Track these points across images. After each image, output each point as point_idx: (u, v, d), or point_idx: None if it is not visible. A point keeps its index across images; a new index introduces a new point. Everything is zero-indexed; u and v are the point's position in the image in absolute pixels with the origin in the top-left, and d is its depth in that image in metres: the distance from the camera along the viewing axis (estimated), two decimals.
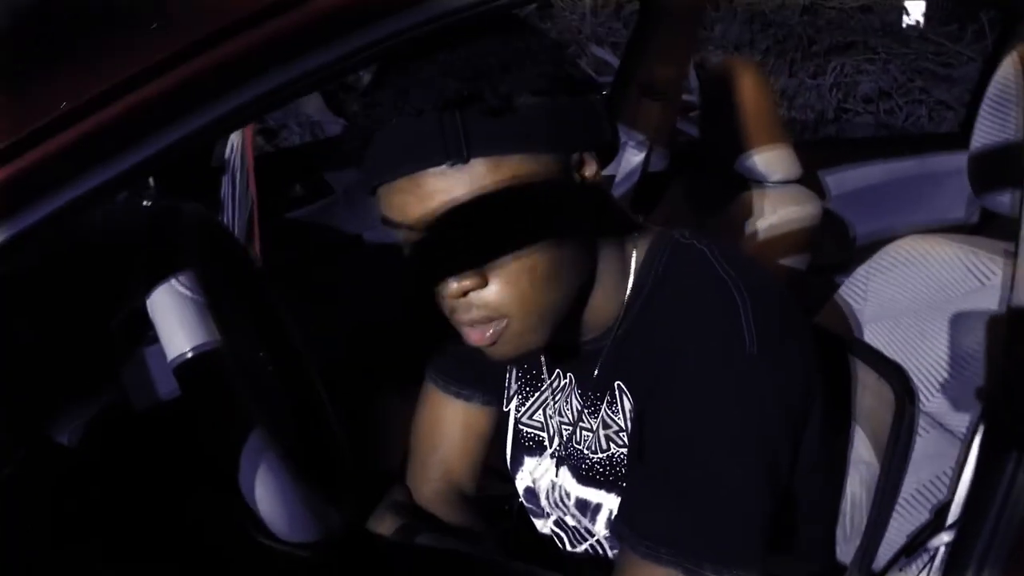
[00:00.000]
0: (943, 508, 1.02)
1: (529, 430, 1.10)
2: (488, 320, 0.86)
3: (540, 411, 1.08)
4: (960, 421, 1.08)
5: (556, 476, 1.06)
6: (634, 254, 0.96)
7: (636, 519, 0.88)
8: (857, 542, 1.07)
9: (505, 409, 1.13)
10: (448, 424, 1.16)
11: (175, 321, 0.86)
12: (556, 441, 1.06)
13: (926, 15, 6.04)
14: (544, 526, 1.13)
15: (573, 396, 1.03)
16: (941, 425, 1.11)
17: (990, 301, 1.10)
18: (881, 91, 5.65)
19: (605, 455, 0.99)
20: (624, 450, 0.97)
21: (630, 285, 0.95)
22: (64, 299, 0.96)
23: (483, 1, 0.76)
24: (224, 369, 0.87)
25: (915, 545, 0.97)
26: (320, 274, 2.26)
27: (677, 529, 0.84)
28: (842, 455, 1.13)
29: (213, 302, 0.89)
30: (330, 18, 0.72)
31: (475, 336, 0.87)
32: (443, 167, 0.79)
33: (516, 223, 0.82)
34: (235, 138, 1.32)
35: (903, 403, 1.09)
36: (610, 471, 0.99)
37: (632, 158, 2.21)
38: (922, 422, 1.13)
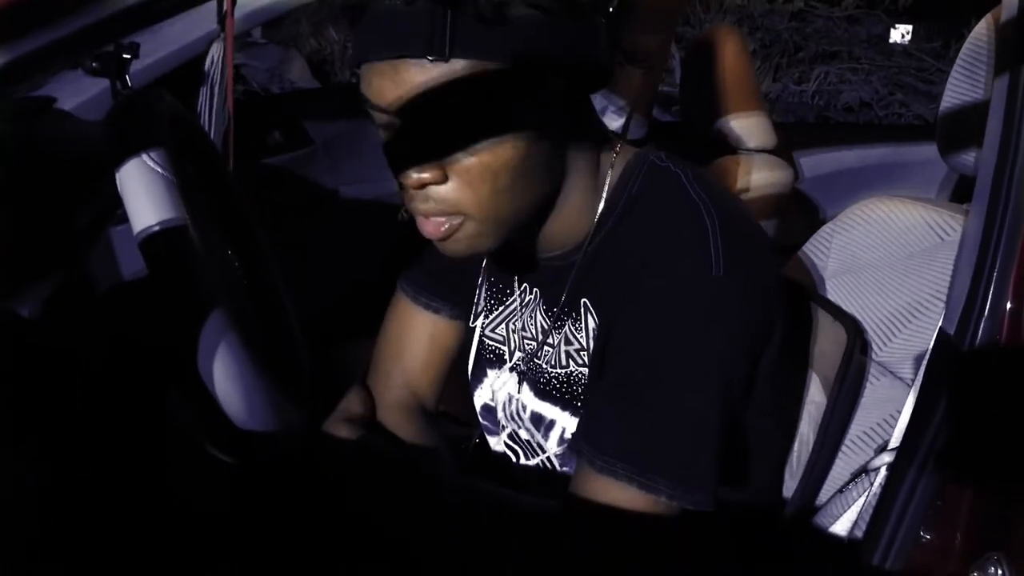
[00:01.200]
0: (884, 446, 1.05)
1: (491, 343, 1.11)
2: (443, 214, 0.86)
3: (503, 325, 1.09)
4: (910, 369, 1.10)
5: (515, 390, 1.07)
6: (609, 172, 0.96)
7: (594, 434, 0.88)
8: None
9: (472, 325, 1.14)
10: (415, 334, 1.17)
11: (144, 194, 0.86)
12: (517, 355, 1.07)
13: (912, 30, 6.11)
14: (498, 443, 1.15)
15: (539, 312, 1.03)
16: (892, 373, 1.13)
17: (949, 255, 1.12)
18: (862, 101, 5.72)
19: (564, 371, 1.00)
20: (583, 369, 0.98)
21: (602, 202, 0.96)
22: (36, 191, 0.96)
23: None
24: (190, 248, 0.87)
25: (857, 472, 0.99)
26: (292, 224, 2.26)
27: (634, 445, 0.85)
28: (797, 396, 1.15)
29: (183, 184, 0.90)
30: None
31: (429, 228, 0.88)
32: (423, 60, 0.80)
33: (484, 125, 0.83)
34: (215, 50, 1.32)
35: (852, 345, 1.12)
36: (567, 389, 1.01)
37: (611, 123, 2.23)
38: (874, 370, 1.15)
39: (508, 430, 1.11)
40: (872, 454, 1.08)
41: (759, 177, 1.86)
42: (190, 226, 0.87)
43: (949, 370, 0.85)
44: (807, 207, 2.24)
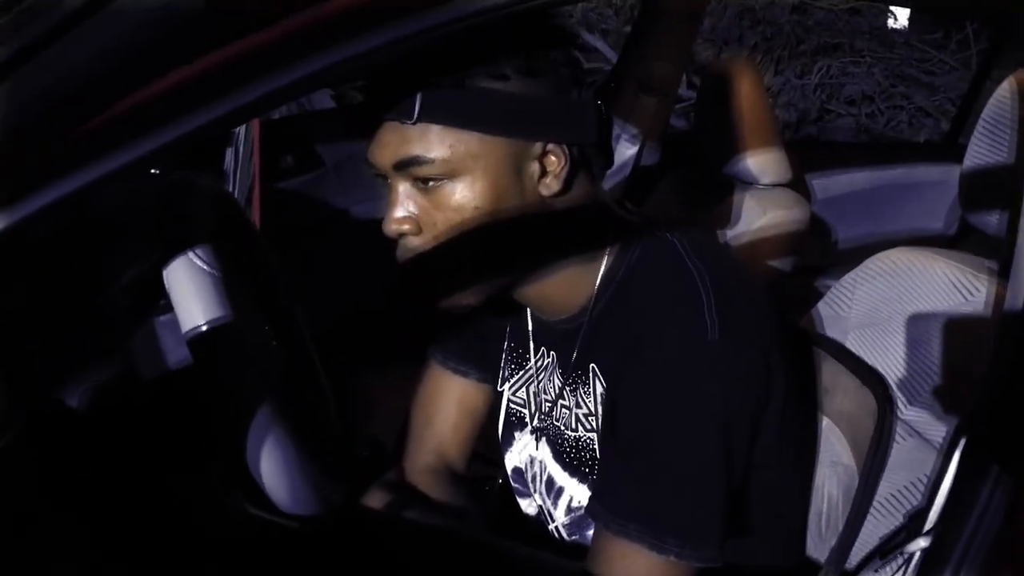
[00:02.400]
0: (917, 514, 1.06)
1: (514, 406, 1.14)
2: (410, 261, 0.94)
3: (524, 388, 1.12)
4: (937, 431, 1.12)
5: (536, 450, 1.09)
6: (609, 238, 1.01)
7: (607, 497, 0.93)
8: (832, 542, 1.12)
9: (499, 389, 1.16)
10: (444, 399, 1.21)
11: (192, 293, 0.88)
12: (537, 417, 1.09)
13: (912, 21, 6.10)
14: (530, 505, 1.17)
15: (555, 374, 1.07)
16: (919, 434, 1.15)
17: (972, 317, 1.14)
18: (864, 95, 5.72)
19: (574, 435, 1.04)
20: (591, 435, 1.02)
21: (603, 269, 0.99)
22: (75, 269, 0.97)
23: (513, 2, 0.77)
24: (236, 344, 0.89)
25: (890, 548, 1.01)
26: (307, 246, 2.28)
27: (643, 508, 0.90)
28: (810, 450, 1.17)
29: (227, 276, 0.91)
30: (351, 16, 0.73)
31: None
32: (396, 122, 0.89)
33: (453, 191, 0.90)
34: None
35: (883, 409, 1.13)
36: (576, 455, 1.04)
37: (625, 151, 2.24)
38: (900, 430, 1.17)
39: (525, 500, 1.14)
40: (900, 519, 1.10)
41: (775, 215, 1.88)
42: (235, 322, 0.89)
43: (990, 452, 0.86)
44: (819, 230, 2.26)
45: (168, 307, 0.93)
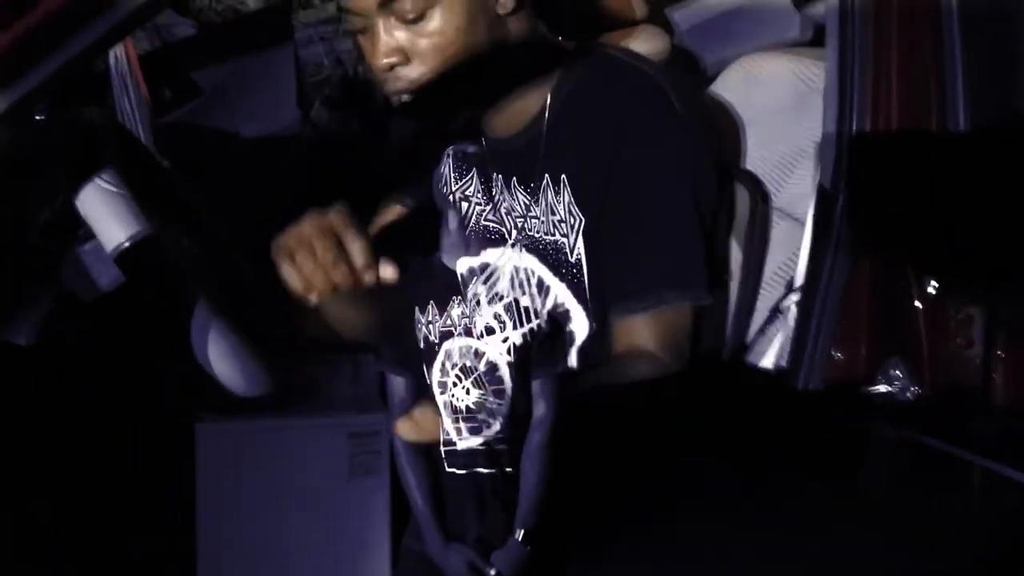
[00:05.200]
0: (792, 280, 1.21)
1: (492, 225, 1.23)
2: (413, 90, 1.07)
3: (496, 210, 1.22)
4: (803, 207, 1.25)
5: (520, 260, 1.19)
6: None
7: (621, 283, 1.07)
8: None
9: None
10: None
11: (107, 216, 0.94)
12: (514, 232, 1.20)
13: None
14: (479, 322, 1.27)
15: (517, 191, 1.18)
16: (789, 215, 1.28)
17: (815, 101, 1.26)
18: None
19: (551, 238, 1.15)
20: (564, 239, 1.13)
21: (554, 81, 1.13)
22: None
23: None
24: (160, 253, 0.97)
25: (773, 312, 1.15)
26: (204, 174, 2.29)
27: (642, 280, 1.05)
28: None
29: (136, 195, 0.98)
30: None
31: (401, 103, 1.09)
32: None
33: (433, 17, 1.03)
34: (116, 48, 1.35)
35: (756, 200, 1.26)
36: (555, 255, 1.15)
37: None
38: (774, 216, 1.30)
39: (507, 300, 1.23)
40: (783, 291, 1.24)
41: (641, 49, 1.96)
42: (154, 234, 0.96)
43: (830, 216, 1.00)
44: (686, 60, 2.35)
45: (88, 234, 0.99)
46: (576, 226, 1.11)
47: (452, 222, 1.06)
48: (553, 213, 1.14)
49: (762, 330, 1.15)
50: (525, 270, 1.19)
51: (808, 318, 0.96)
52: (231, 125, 2.53)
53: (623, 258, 1.07)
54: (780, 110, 1.31)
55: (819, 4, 1.28)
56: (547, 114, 1.13)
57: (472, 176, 1.25)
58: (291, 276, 0.91)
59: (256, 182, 2.52)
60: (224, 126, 2.51)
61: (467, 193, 1.25)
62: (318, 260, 0.91)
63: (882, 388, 0.92)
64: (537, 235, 1.16)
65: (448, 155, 1.27)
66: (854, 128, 1.03)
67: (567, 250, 1.13)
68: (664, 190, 1.06)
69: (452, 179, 1.26)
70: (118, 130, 1.07)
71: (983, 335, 0.93)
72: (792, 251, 1.25)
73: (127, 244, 0.94)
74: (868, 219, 0.97)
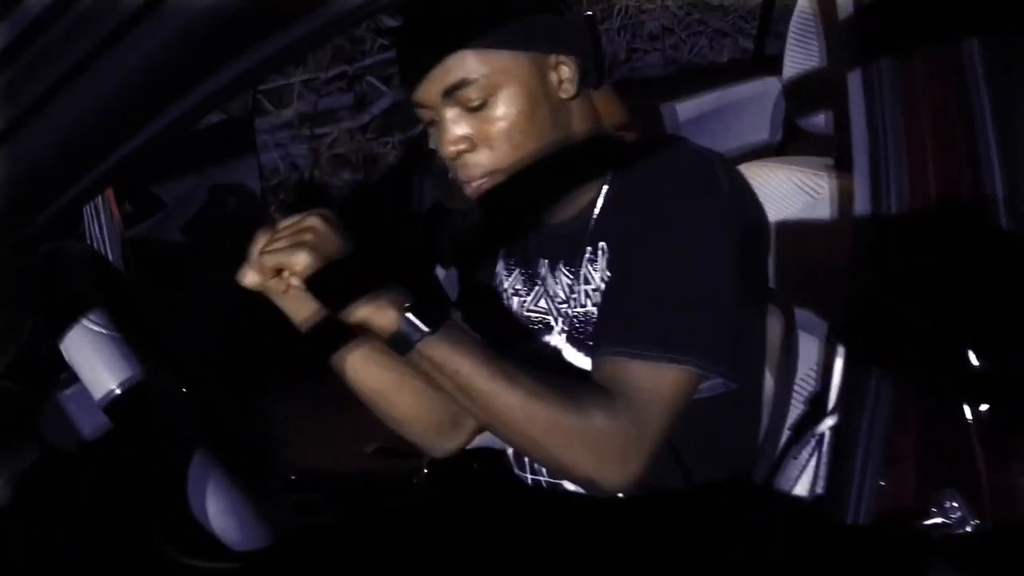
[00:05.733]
0: (816, 398, 1.16)
1: (536, 315, 1.20)
2: (483, 176, 1.07)
3: (541, 299, 1.19)
4: (815, 323, 1.21)
5: (564, 345, 1.15)
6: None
7: (625, 328, 1.01)
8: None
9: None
10: None
11: (96, 360, 0.86)
12: (560, 320, 1.16)
13: None
14: None
15: (561, 274, 1.15)
16: (802, 331, 1.25)
17: (822, 212, 1.24)
18: (664, 27, 5.93)
19: (583, 311, 1.12)
20: (594, 309, 1.10)
21: (612, 171, 1.13)
22: None
23: None
24: (152, 399, 0.89)
25: (800, 433, 1.10)
26: (174, 288, 2.22)
27: (659, 329, 0.99)
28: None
29: (125, 336, 0.90)
30: None
31: (471, 189, 1.08)
32: (439, 54, 1.02)
33: (496, 104, 1.04)
34: None
35: (791, 323, 1.22)
36: (584, 329, 1.11)
37: None
38: None
39: None
40: (802, 406, 1.19)
41: None
42: (145, 378, 0.89)
43: (867, 330, 0.95)
44: None
45: (70, 379, 0.91)
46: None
47: None
48: (587, 283, 1.12)
49: (791, 453, 1.09)
50: (568, 359, 1.14)
51: (853, 445, 0.91)
52: (195, 237, 2.46)
53: (636, 309, 1.01)
54: (783, 222, 1.29)
55: (819, 114, 1.25)
56: (600, 201, 1.13)
57: (516, 270, 1.24)
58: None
59: (221, 296, 2.45)
60: (188, 239, 2.44)
61: (517, 288, 1.23)
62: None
63: (936, 520, 0.86)
64: (573, 314, 1.14)
65: (500, 255, 1.26)
66: (892, 220, 0.95)
67: (595, 319, 1.10)
68: (701, 253, 1.02)
69: (504, 276, 1.25)
70: (101, 265, 1.00)
71: None
72: (810, 367, 1.21)
73: (117, 390, 0.86)
74: (913, 329, 0.93)
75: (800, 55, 1.26)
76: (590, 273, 1.12)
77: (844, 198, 1.25)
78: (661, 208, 1.03)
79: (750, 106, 2.39)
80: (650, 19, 5.94)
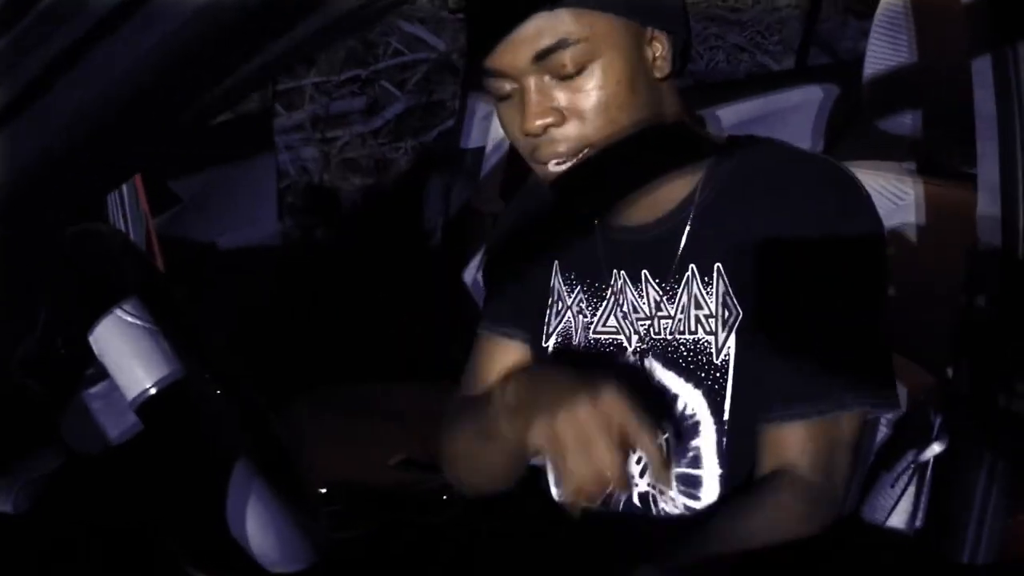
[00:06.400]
0: (898, 421, 1.06)
1: (606, 336, 1.09)
2: (570, 152, 0.96)
3: (611, 316, 1.08)
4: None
5: (641, 366, 1.05)
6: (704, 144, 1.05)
7: (794, 385, 0.93)
8: None
9: (544, 344, 1.13)
10: (493, 364, 1.16)
11: (132, 355, 0.77)
12: (635, 338, 1.05)
13: None
14: None
15: (647, 287, 1.05)
16: None
17: (907, 218, 1.15)
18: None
19: (692, 337, 1.01)
20: (709, 338, 1.00)
21: (705, 165, 1.03)
22: None
23: None
24: (191, 401, 0.79)
25: (891, 458, 1.00)
26: (181, 286, 2.13)
27: (838, 380, 0.93)
28: None
29: (162, 328, 0.81)
30: None
31: (551, 168, 0.97)
32: (536, 15, 0.92)
33: (594, 73, 0.94)
34: None
35: None
36: (693, 357, 1.01)
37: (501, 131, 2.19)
38: None
39: None
40: (886, 429, 1.09)
41: None
42: (184, 378, 0.79)
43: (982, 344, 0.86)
44: None
45: (97, 376, 0.82)
46: (731, 321, 0.98)
47: None
48: (698, 307, 1.01)
49: (885, 481, 0.99)
50: (644, 378, 1.04)
51: (972, 478, 0.81)
52: (208, 236, 2.38)
53: (796, 356, 0.93)
54: None
55: (905, 115, 1.16)
56: (696, 202, 1.02)
57: (577, 285, 1.11)
58: (567, 478, 0.81)
59: (233, 297, 2.37)
60: (201, 237, 2.36)
61: (581, 307, 1.11)
62: (594, 460, 0.80)
63: None
64: (669, 336, 1.03)
65: (555, 268, 1.13)
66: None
67: (712, 350, 0.99)
68: (859, 280, 0.95)
69: (564, 292, 1.13)
70: (134, 252, 0.91)
71: None
72: None
73: (152, 390, 0.76)
74: None
75: (886, 50, 1.17)
76: (702, 297, 1.01)
77: (930, 204, 1.17)
78: (811, 229, 0.95)
79: (792, 115, 2.30)
80: None
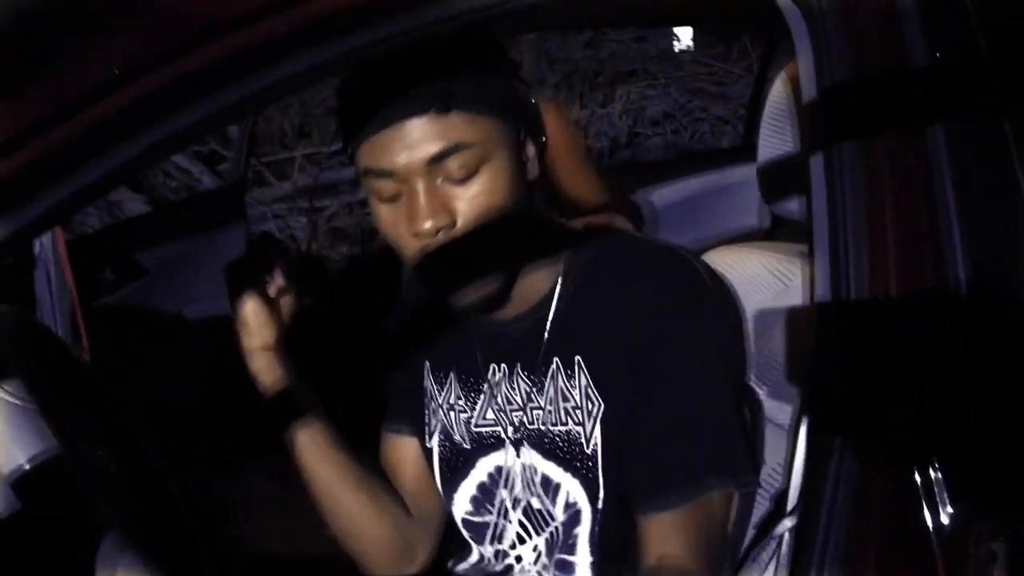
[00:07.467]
0: (781, 495, 1.10)
1: (486, 430, 1.12)
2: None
3: (489, 409, 1.12)
4: (784, 414, 1.16)
5: (517, 459, 1.09)
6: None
7: (660, 477, 0.97)
8: None
9: (428, 445, 1.18)
10: (394, 458, 1.22)
11: (6, 433, 0.82)
12: (511, 429, 1.09)
13: (695, 40, 6.45)
14: (486, 548, 1.14)
15: (517, 380, 1.08)
16: (770, 421, 1.19)
17: (794, 300, 1.19)
18: (665, 113, 5.99)
19: (564, 429, 1.04)
20: (578, 428, 1.03)
21: (565, 258, 1.07)
22: None
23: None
24: (66, 476, 0.84)
25: (762, 534, 1.04)
26: (145, 358, 2.18)
27: (700, 464, 0.97)
28: None
29: (43, 406, 0.86)
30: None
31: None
32: (420, 119, 0.93)
33: (482, 176, 0.96)
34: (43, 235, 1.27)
35: (753, 410, 1.17)
36: (567, 448, 1.04)
37: None
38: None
39: (523, 504, 1.11)
40: (768, 504, 1.13)
41: None
42: (61, 453, 0.84)
43: (831, 426, 0.90)
44: None
45: None
46: (594, 413, 1.01)
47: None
48: (565, 399, 1.04)
49: (751, 555, 1.03)
50: (530, 468, 1.08)
51: (809, 549, 0.85)
52: (174, 307, 2.44)
53: (658, 447, 0.97)
54: (755, 308, 1.25)
55: (793, 200, 1.22)
56: (557, 295, 1.06)
57: (451, 382, 1.15)
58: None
59: (195, 365, 2.41)
60: (167, 308, 2.41)
61: (451, 403, 1.15)
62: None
63: None
64: (543, 427, 1.06)
65: (427, 369, 1.18)
66: (851, 304, 0.91)
67: (582, 440, 1.03)
68: (703, 369, 0.99)
69: (435, 391, 1.17)
70: (32, 329, 0.96)
71: None
72: (776, 462, 1.15)
73: (26, 466, 0.81)
74: (872, 420, 0.88)
75: (774, 138, 1.23)
76: (567, 389, 1.04)
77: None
78: (654, 325, 0.99)
79: (739, 191, 2.37)
80: (652, 104, 6.01)
